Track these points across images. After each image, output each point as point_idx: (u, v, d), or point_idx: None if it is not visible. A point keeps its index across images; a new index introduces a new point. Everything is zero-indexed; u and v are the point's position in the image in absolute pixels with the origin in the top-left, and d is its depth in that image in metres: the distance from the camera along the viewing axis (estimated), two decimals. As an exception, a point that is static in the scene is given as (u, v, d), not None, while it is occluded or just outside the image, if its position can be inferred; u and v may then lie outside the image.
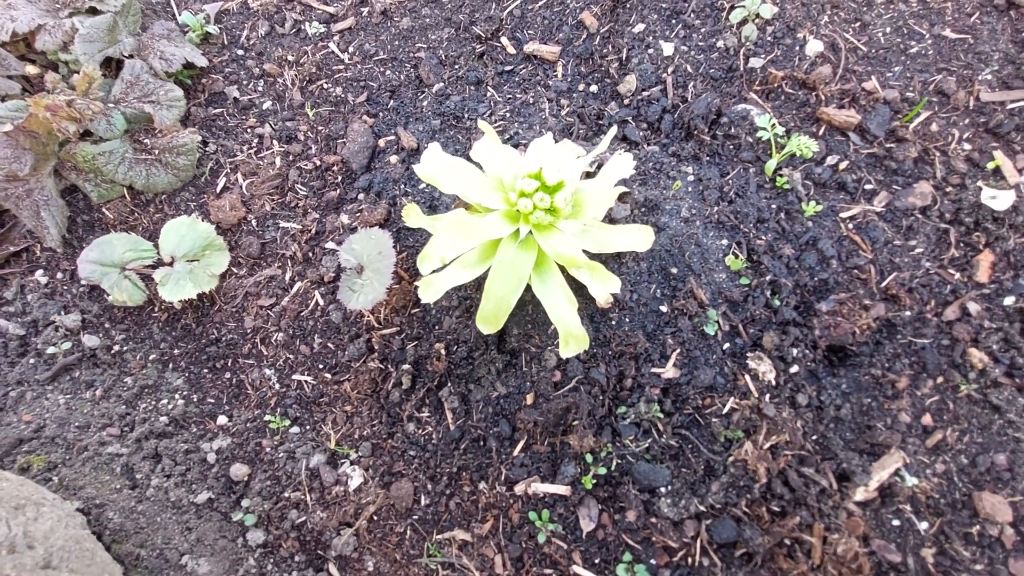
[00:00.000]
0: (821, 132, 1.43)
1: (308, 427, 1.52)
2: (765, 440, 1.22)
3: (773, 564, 1.17)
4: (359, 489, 1.44)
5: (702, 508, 1.23)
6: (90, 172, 1.69)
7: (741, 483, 1.21)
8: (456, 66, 1.77)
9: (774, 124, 1.38)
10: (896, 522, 1.17)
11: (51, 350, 1.60)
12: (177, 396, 1.58)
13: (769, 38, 1.51)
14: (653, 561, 1.24)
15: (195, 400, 1.57)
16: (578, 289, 1.35)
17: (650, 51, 1.57)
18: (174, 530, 1.40)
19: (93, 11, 1.80)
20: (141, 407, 1.56)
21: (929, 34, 1.45)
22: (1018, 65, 1.39)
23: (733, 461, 1.23)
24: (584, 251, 1.34)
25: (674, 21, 1.58)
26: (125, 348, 1.63)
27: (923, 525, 1.16)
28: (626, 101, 1.57)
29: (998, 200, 1.24)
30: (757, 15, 1.50)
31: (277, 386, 1.57)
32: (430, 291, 1.28)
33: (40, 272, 1.71)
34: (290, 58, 1.90)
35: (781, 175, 1.39)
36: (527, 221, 1.27)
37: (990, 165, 1.32)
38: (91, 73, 1.67)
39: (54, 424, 1.52)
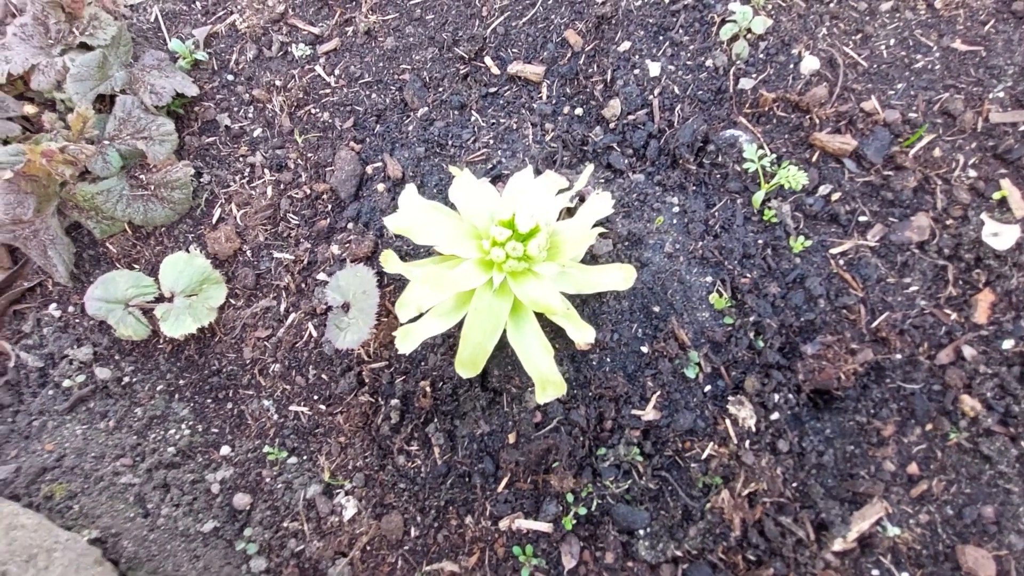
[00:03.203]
0: (814, 158, 1.33)
1: (305, 457, 1.56)
2: (743, 488, 1.19)
3: (748, 611, 1.16)
4: (353, 520, 1.47)
5: (679, 553, 1.21)
6: (91, 210, 1.70)
7: (718, 530, 1.19)
8: (440, 89, 1.70)
9: (762, 155, 1.28)
10: (875, 572, 1.14)
11: (67, 383, 1.66)
12: (183, 426, 1.63)
13: (762, 55, 1.39)
14: (631, 600, 1.25)
15: (200, 430, 1.62)
16: (558, 330, 1.32)
17: (636, 71, 1.47)
18: (183, 558, 1.47)
19: (84, 46, 1.78)
20: (151, 437, 1.62)
21: (937, 46, 1.31)
22: (1035, 80, 1.25)
23: (711, 508, 1.20)
24: (564, 292, 1.30)
25: (661, 38, 1.46)
26: (134, 379, 1.68)
27: (904, 576, 1.13)
28: (611, 125, 1.48)
29: (1000, 238, 1.13)
30: (749, 30, 1.37)
31: (275, 416, 1.60)
32: (407, 342, 1.26)
33: (53, 306, 1.76)
34: (278, 83, 1.85)
35: (770, 207, 1.31)
36: (501, 269, 1.23)
37: (996, 195, 1.20)
38: (84, 113, 1.66)
39: (72, 454, 1.59)
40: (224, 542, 1.48)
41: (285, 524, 1.48)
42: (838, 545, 1.12)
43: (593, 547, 1.29)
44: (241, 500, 1.51)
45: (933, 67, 1.29)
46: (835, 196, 1.28)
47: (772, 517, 1.16)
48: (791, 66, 1.35)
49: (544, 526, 1.32)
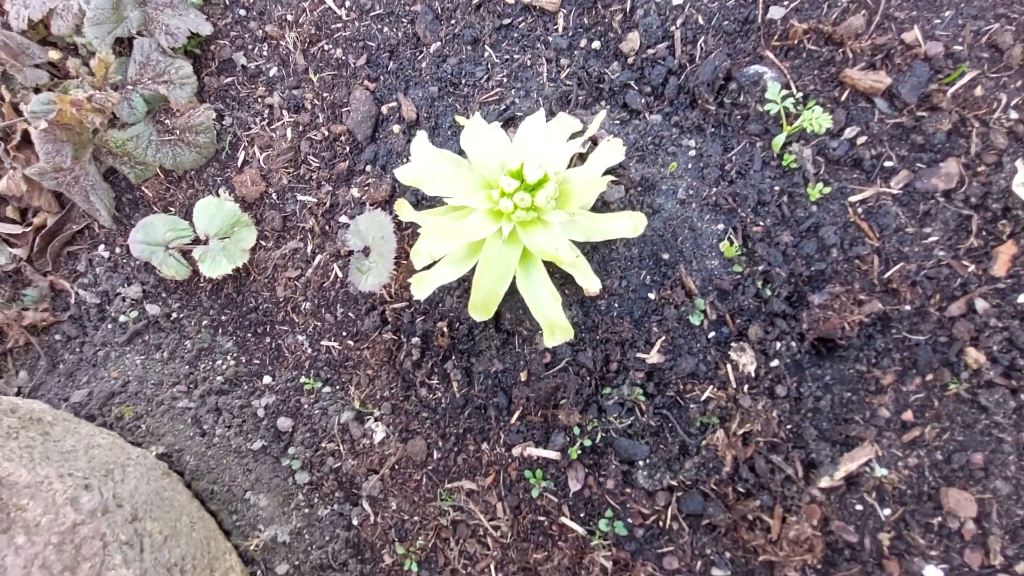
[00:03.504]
0: (844, 98, 1.24)
1: (337, 387, 1.70)
2: (738, 428, 1.25)
3: (735, 534, 1.27)
4: (382, 442, 1.63)
5: (674, 483, 1.31)
6: (123, 156, 1.77)
7: (711, 465, 1.27)
8: (452, 21, 1.62)
9: (785, 96, 1.21)
10: (859, 507, 1.21)
11: (122, 318, 1.82)
12: (228, 357, 1.79)
13: (796, -21, 1.26)
14: (630, 520, 1.37)
15: (243, 361, 1.77)
16: (567, 276, 1.35)
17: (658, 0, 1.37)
18: (237, 471, 1.67)
19: (96, -15, 1.76)
20: (201, 367, 1.79)
21: (997, -36, 1.17)
22: (1106, 4, 1.10)
23: (706, 444, 1.28)
24: (573, 240, 1.32)
25: (686, -39, 1.34)
26: (181, 315, 1.83)
27: (885, 512, 1.20)
28: (630, 61, 1.41)
29: (1033, 188, 1.07)
30: (783, -50, 1.24)
31: (309, 350, 1.73)
32: (421, 288, 1.32)
33: (102, 247, 1.89)
34: (289, 17, 1.80)
35: (790, 152, 1.25)
36: (509, 219, 1.25)
37: (1037, 140, 1.12)
38: (105, 59, 1.68)
39: (135, 381, 1.78)
40: (272, 458, 1.67)
41: (323, 444, 1.65)
42: (825, 482, 1.19)
43: (596, 474, 1.40)
44: (284, 423, 1.68)
45: (989, -10, 1.16)
46: (861, 140, 1.21)
47: (763, 455, 1.23)
48: (827, -9, 1.23)
49: (552, 454, 1.44)
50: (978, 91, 1.16)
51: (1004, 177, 1.12)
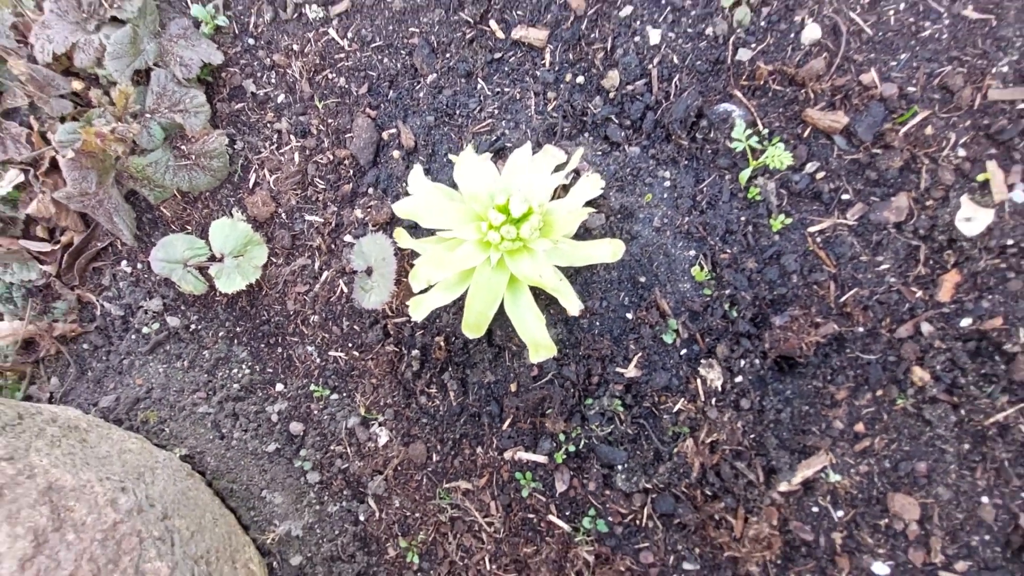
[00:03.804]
0: (806, 134, 1.33)
1: (344, 394, 1.83)
2: (706, 437, 1.37)
3: (703, 532, 1.39)
4: (386, 446, 1.76)
5: (649, 485, 1.43)
6: (143, 179, 1.89)
7: (682, 470, 1.39)
8: (447, 54, 1.71)
9: (750, 135, 1.31)
10: (815, 509, 1.32)
11: (145, 329, 1.96)
12: (244, 367, 1.92)
13: (763, 23, 1.35)
14: (610, 519, 1.50)
15: (258, 370, 1.90)
16: (552, 298, 1.46)
17: (636, 39, 1.45)
18: (254, 471, 1.81)
19: (115, 20, 1.87)
20: (219, 375, 1.92)
21: (948, 12, 1.24)
22: (1046, 51, 1.18)
23: (677, 451, 1.40)
24: (557, 265, 1.43)
25: (663, 3, 1.42)
26: (199, 327, 1.96)
27: (838, 513, 1.31)
28: (611, 96, 1.50)
29: (972, 223, 1.16)
30: (751, -4, 1.33)
31: (318, 360, 1.86)
32: (419, 311, 1.44)
33: (124, 263, 2.02)
34: (295, 47, 1.90)
35: (755, 185, 1.35)
36: (497, 249, 1.36)
37: (980, 177, 1.20)
38: (125, 90, 1.79)
39: (158, 388, 1.93)
40: (285, 459, 1.81)
41: (332, 447, 1.79)
42: (784, 487, 1.31)
43: (580, 476, 1.52)
44: (296, 427, 1.82)
45: (940, 36, 1.24)
46: (820, 174, 1.31)
47: (729, 462, 1.34)
48: (792, 35, 1.32)
49: (541, 458, 1.57)
50: (929, 130, 1.25)
51: (949, 212, 1.22)
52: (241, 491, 1.77)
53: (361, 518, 1.71)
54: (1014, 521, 1.19)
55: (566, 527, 1.52)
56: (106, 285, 2.01)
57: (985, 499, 1.21)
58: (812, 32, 1.30)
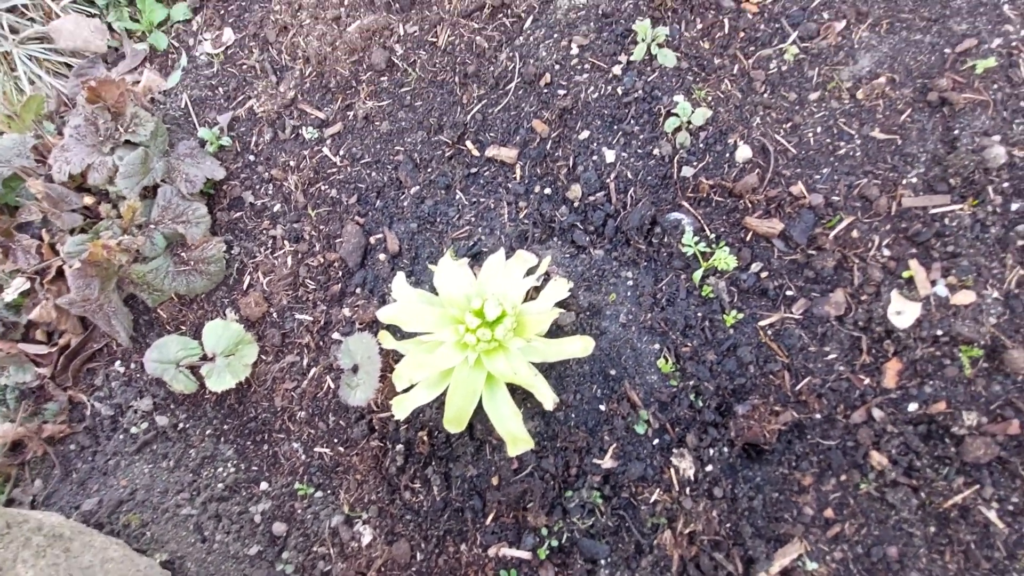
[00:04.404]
0: (748, 238, 1.47)
1: (328, 492, 1.81)
2: (684, 528, 1.37)
3: (688, 630, 1.36)
4: (369, 545, 1.72)
5: (632, 581, 1.41)
6: (143, 284, 1.97)
7: (663, 563, 1.38)
8: (429, 169, 1.88)
9: (698, 240, 1.43)
10: (795, 600, 1.31)
11: (134, 429, 1.95)
12: (229, 465, 1.91)
13: (701, 144, 1.52)
14: (595, 617, 1.46)
15: (243, 468, 1.89)
16: (529, 392, 1.52)
17: (595, 157, 1.62)
18: (234, 576, 1.75)
19: (129, 143, 2.04)
20: (203, 474, 1.90)
21: (858, 135, 1.42)
22: (945, 167, 1.35)
23: (657, 543, 1.40)
24: (532, 361, 1.50)
25: (615, 128, 1.61)
26: (187, 425, 1.96)
27: (818, 604, 1.30)
28: (575, 205, 1.64)
29: (902, 316, 1.26)
30: (690, 122, 1.51)
31: (303, 457, 1.85)
32: (401, 408, 1.48)
33: (118, 363, 2.05)
34: (292, 163, 2.07)
35: (708, 284, 1.46)
36: (474, 349, 1.43)
37: (905, 274, 1.33)
38: (133, 205, 1.92)
39: (142, 489, 1.89)
40: (267, 563, 1.75)
41: (315, 548, 1.74)
42: (762, 578, 1.30)
43: (564, 573, 1.50)
44: (279, 528, 1.78)
45: (854, 154, 1.41)
46: (764, 273, 1.42)
47: (707, 553, 1.34)
48: (727, 155, 1.48)
49: (524, 554, 1.54)
50: (855, 233, 1.38)
51: (882, 305, 1.32)
52: (219, 599, 1.70)
53: (342, 625, 1.64)
54: (988, 606, 1.19)
55: (551, 628, 1.48)
56: (98, 385, 2.02)
57: (957, 584, 1.21)
58: (744, 152, 1.47)
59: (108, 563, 1.43)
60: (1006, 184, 1.27)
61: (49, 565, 1.25)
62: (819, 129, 1.42)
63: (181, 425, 1.93)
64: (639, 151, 1.53)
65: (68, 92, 2.32)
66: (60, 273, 1.96)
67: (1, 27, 2.33)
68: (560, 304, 1.48)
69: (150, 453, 1.92)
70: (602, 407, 1.45)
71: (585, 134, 1.60)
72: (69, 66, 2.38)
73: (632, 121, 1.55)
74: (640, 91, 1.55)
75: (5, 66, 2.43)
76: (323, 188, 2.00)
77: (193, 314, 2.01)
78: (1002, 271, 1.23)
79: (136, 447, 1.90)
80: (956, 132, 1.31)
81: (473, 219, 1.72)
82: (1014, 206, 1.25)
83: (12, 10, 2.39)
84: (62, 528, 1.52)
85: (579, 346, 1.44)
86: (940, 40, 1.41)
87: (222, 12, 2.31)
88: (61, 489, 1.95)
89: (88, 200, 2.00)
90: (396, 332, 1.68)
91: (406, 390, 1.46)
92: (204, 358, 1.91)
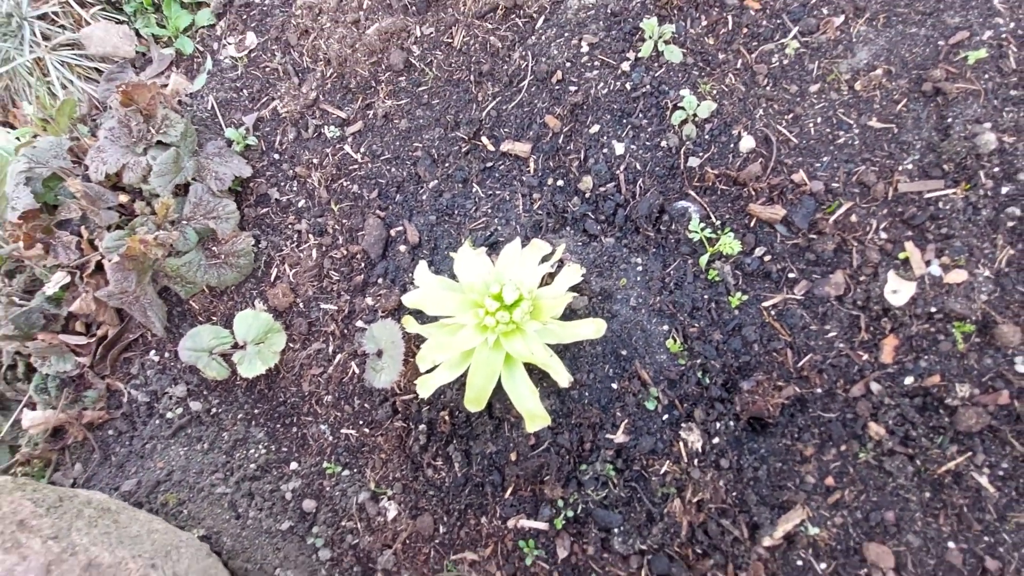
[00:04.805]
0: (752, 224, 1.54)
1: (355, 470, 1.90)
2: (692, 496, 1.45)
3: (698, 592, 1.43)
4: (394, 519, 1.81)
5: (644, 547, 1.49)
6: (177, 277, 2.07)
7: (673, 530, 1.46)
8: (446, 164, 1.96)
9: (704, 227, 1.51)
10: (799, 562, 1.38)
11: (169, 414, 2.05)
12: (260, 447, 2.00)
13: (707, 136, 1.59)
14: (610, 582, 1.53)
15: (273, 449, 1.98)
16: (545, 372, 1.59)
17: (605, 150, 1.70)
18: (268, 550, 1.84)
19: (160, 143, 2.13)
20: (236, 456, 2.00)
21: (856, 124, 1.49)
22: (939, 153, 1.41)
23: (667, 512, 1.47)
24: (547, 343, 1.58)
25: (624, 122, 1.68)
26: (220, 410, 2.06)
27: (821, 566, 1.37)
28: (586, 196, 1.72)
29: (898, 295, 1.33)
30: (695, 115, 1.58)
31: (330, 438, 1.94)
32: (425, 388, 1.56)
33: (153, 352, 2.15)
34: (315, 161, 2.15)
35: (714, 268, 1.53)
36: (493, 331, 1.51)
37: (901, 256, 1.39)
38: (167, 202, 2.01)
39: (179, 470, 1.99)
40: (298, 537, 1.84)
41: (343, 523, 1.83)
42: (767, 542, 1.37)
43: (580, 541, 1.58)
44: (308, 504, 1.87)
45: (853, 142, 1.47)
46: (768, 257, 1.49)
47: (714, 520, 1.42)
48: (731, 145, 1.55)
49: (542, 525, 1.62)
50: (854, 218, 1.45)
51: (879, 285, 1.39)
52: (255, 571, 1.79)
53: (371, 593, 1.73)
54: (981, 565, 1.26)
55: (569, 593, 1.55)
56: (135, 373, 2.12)
57: (952, 544, 1.28)
58: (747, 142, 1.54)
59: (154, 533, 1.52)
60: (996, 169, 1.33)
61: (102, 533, 1.34)
62: (819, 119, 1.48)
63: (214, 410, 2.03)
64: (647, 143, 1.60)
65: (99, 96, 2.42)
66: (99, 267, 2.06)
67: (34, 34, 2.43)
68: (573, 289, 1.55)
69: (185, 437, 2.01)
70: (614, 385, 1.52)
71: (595, 128, 1.68)
72: (99, 71, 2.48)
73: (640, 115, 1.62)
74: (648, 86, 1.62)
75: (38, 72, 2.53)
76: (345, 184, 2.08)
77: (224, 305, 2.10)
78: (993, 251, 1.29)
79: (171, 431, 1.99)
80: (949, 120, 1.37)
81: (489, 211, 1.80)
82: (1004, 189, 1.32)
83: (43, 17, 2.48)
84: (108, 503, 1.62)
85: (592, 328, 1.52)
86: (934, 33, 1.47)
87: (244, 17, 2.40)
88: (100, 472, 2.05)
89: (123, 198, 2.10)
90: (419, 318, 1.76)
91: (429, 371, 1.54)
92: (235, 346, 2.00)
